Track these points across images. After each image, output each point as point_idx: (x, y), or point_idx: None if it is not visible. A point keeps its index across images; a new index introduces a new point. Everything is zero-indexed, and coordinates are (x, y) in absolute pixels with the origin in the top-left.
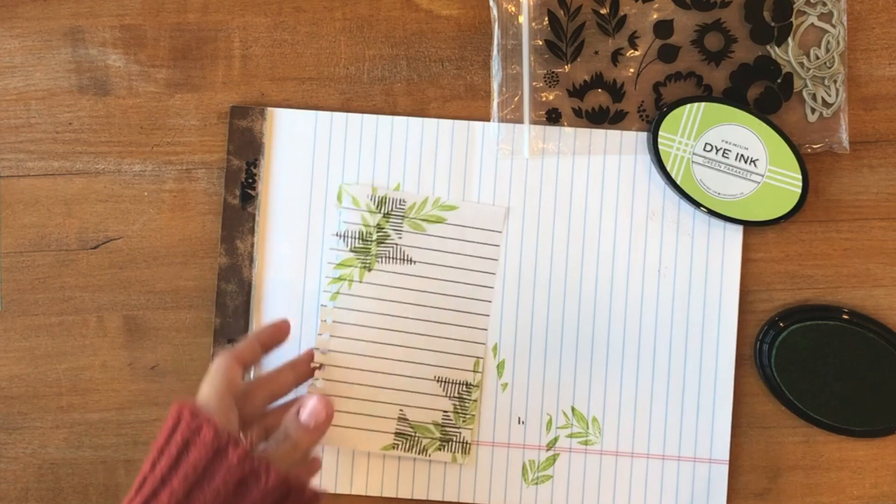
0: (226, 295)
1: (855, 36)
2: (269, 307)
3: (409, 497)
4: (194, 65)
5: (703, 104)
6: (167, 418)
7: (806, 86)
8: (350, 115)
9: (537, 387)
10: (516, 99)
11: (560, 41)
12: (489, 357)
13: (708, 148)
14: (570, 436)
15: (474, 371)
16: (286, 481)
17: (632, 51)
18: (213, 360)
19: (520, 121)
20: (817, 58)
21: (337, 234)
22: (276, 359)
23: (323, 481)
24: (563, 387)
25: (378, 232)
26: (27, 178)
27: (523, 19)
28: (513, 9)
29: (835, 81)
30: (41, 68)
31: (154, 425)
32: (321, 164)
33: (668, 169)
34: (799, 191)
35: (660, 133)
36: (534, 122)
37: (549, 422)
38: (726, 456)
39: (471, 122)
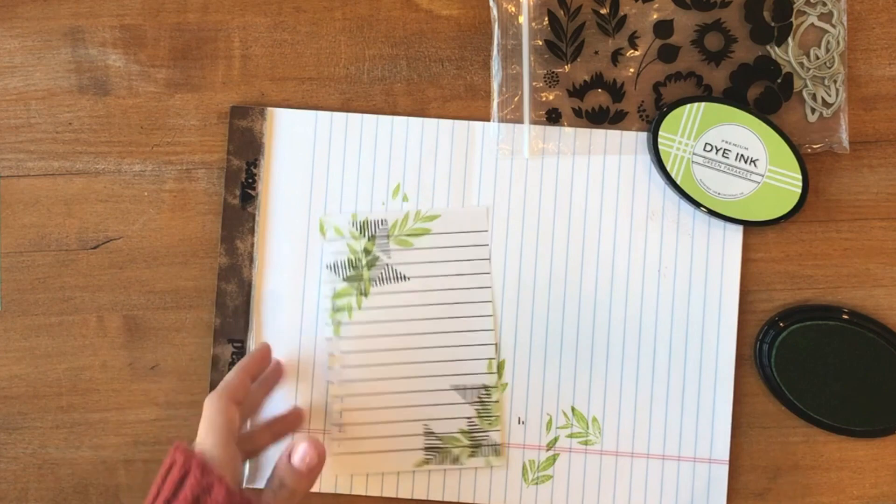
0: (226, 295)
1: (855, 36)
2: (269, 307)
3: (409, 497)
4: (194, 65)
5: (703, 104)
6: (171, 467)
7: (806, 86)
8: (350, 115)
9: (537, 387)
10: (516, 99)
11: (560, 41)
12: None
13: (708, 148)
14: (571, 436)
15: (489, 372)
16: None
17: (632, 51)
18: (206, 402)
19: (520, 121)
20: (817, 58)
21: (327, 267)
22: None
23: (323, 481)
24: (563, 387)
25: (367, 256)
26: (27, 178)
27: (523, 19)
28: (513, 9)
29: (835, 81)
30: (41, 68)
31: (154, 425)
32: (321, 164)
33: (668, 169)
34: (799, 191)
35: (660, 133)
36: (534, 122)
37: (549, 422)
38: (726, 456)
39: (471, 122)
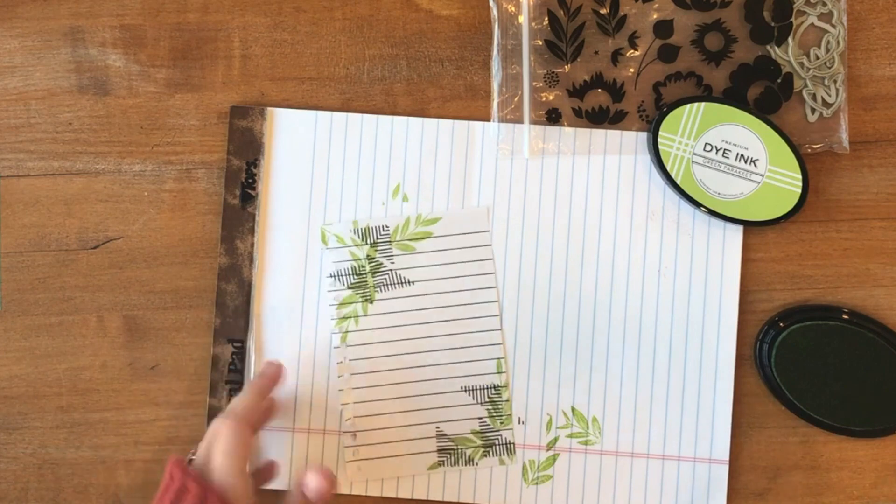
0: (226, 295)
1: (855, 36)
2: (269, 307)
3: (409, 497)
4: (194, 65)
5: (703, 104)
6: (182, 493)
7: (806, 86)
8: (350, 115)
9: (537, 387)
10: (516, 99)
11: (560, 41)
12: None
13: (708, 148)
14: (571, 436)
15: (498, 372)
16: None
17: (632, 51)
18: (223, 425)
19: (520, 121)
20: (817, 58)
21: (331, 276)
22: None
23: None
24: (563, 387)
25: (370, 263)
26: (27, 178)
27: (523, 19)
28: (513, 9)
29: (835, 81)
30: (41, 68)
31: (154, 425)
32: (321, 164)
33: (668, 169)
34: (799, 191)
35: (660, 133)
36: (534, 122)
37: (550, 422)
38: (726, 456)
39: (471, 122)
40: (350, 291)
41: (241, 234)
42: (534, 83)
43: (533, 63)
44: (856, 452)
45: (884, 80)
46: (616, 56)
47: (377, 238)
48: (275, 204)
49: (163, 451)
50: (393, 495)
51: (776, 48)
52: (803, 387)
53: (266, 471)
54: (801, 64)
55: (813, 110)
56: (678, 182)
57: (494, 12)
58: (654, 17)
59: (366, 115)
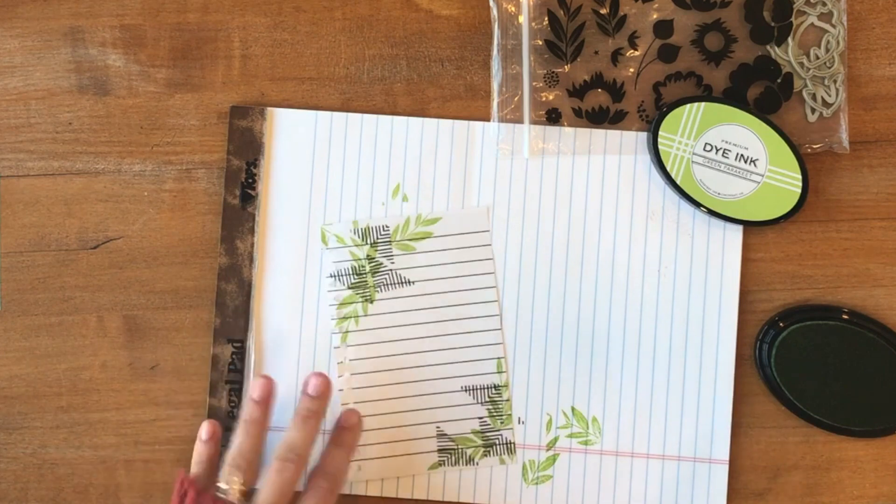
0: (226, 295)
1: (855, 36)
2: (269, 307)
3: (409, 497)
4: (194, 65)
5: (702, 104)
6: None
7: (806, 86)
8: (350, 115)
9: (537, 387)
10: (516, 99)
11: (560, 41)
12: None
13: (708, 148)
14: (570, 436)
15: (499, 371)
16: None
17: (632, 51)
18: (283, 466)
19: (520, 121)
20: (817, 58)
21: (331, 276)
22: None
23: None
24: (563, 387)
25: (370, 263)
26: (27, 178)
27: (523, 19)
28: (513, 9)
29: (835, 81)
30: (41, 68)
31: (154, 425)
32: (321, 164)
33: (668, 169)
34: (799, 191)
35: (660, 133)
36: (534, 122)
37: (549, 422)
38: (726, 456)
39: (471, 122)
40: (350, 291)
41: (241, 234)
42: (534, 83)
43: (533, 63)
44: (856, 452)
45: (884, 80)
46: (616, 56)
47: (377, 238)
48: (275, 204)
49: (163, 450)
50: (393, 495)
51: (776, 48)
52: (803, 387)
53: None
54: (801, 64)
55: (813, 110)
56: (678, 182)
57: (494, 12)
58: (654, 17)
59: (366, 115)
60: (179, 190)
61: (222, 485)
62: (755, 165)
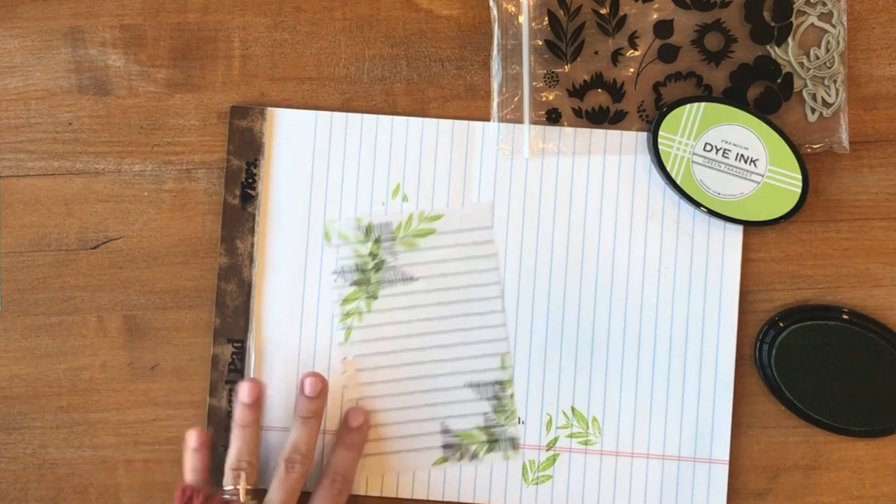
0: (226, 295)
1: (855, 36)
2: (270, 307)
3: (409, 497)
4: (194, 65)
5: (702, 104)
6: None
7: (806, 86)
8: (350, 115)
9: (537, 387)
10: (516, 99)
11: (560, 41)
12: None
13: (708, 148)
14: (570, 436)
15: (503, 367)
16: None
17: (632, 51)
18: (290, 467)
19: (520, 121)
20: (817, 58)
21: (334, 272)
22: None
23: None
24: (563, 387)
25: (374, 259)
26: (27, 178)
27: (523, 19)
28: (513, 9)
29: (835, 81)
30: (41, 68)
31: (154, 425)
32: (321, 164)
33: (668, 169)
34: (799, 191)
35: (660, 133)
36: (534, 122)
37: (549, 422)
38: (726, 456)
39: (471, 122)
40: (354, 288)
41: (241, 234)
42: (534, 83)
43: (533, 63)
44: (856, 452)
45: (884, 80)
46: (616, 56)
47: (381, 235)
48: (275, 204)
49: (163, 450)
50: (393, 495)
51: (776, 48)
52: (803, 387)
53: None
54: (801, 64)
55: (813, 110)
56: (678, 182)
57: (494, 12)
58: (654, 17)
59: (366, 115)
60: (179, 190)
61: (228, 488)
62: (755, 165)
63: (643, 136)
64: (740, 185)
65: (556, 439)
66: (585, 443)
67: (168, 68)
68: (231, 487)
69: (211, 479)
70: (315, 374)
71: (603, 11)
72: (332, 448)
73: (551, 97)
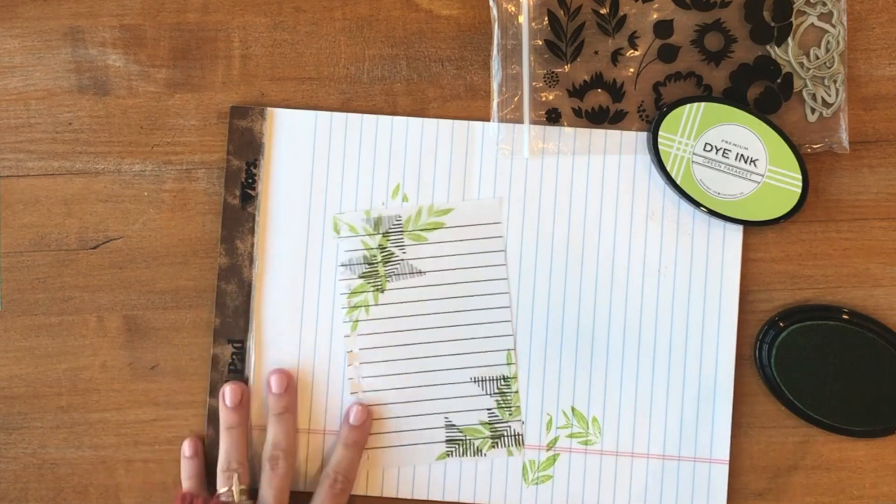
0: (226, 295)
1: (855, 36)
2: (270, 307)
3: (409, 497)
4: (194, 65)
5: (702, 104)
6: None
7: (806, 86)
8: (350, 115)
9: (537, 387)
10: (516, 99)
11: (560, 41)
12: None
13: (708, 148)
14: (571, 436)
15: (508, 363)
16: None
17: (632, 51)
18: (275, 464)
19: (520, 121)
20: (817, 58)
21: (342, 265)
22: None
23: None
24: (563, 387)
25: (381, 252)
26: (27, 178)
27: (523, 19)
28: (513, 9)
29: (835, 81)
30: (41, 68)
31: (154, 425)
32: (321, 164)
33: (668, 169)
34: (799, 191)
35: (660, 133)
36: (534, 121)
37: (550, 422)
38: (726, 456)
39: (470, 122)
40: (361, 280)
41: (241, 234)
42: (534, 83)
43: (533, 63)
44: (856, 452)
45: (884, 80)
46: (616, 56)
47: (389, 227)
48: (275, 204)
49: (163, 450)
50: (393, 495)
51: (776, 48)
52: (803, 387)
53: None
54: (801, 64)
55: (813, 110)
56: (678, 182)
57: (494, 12)
58: (654, 17)
59: (366, 116)
60: (179, 190)
61: (223, 490)
62: (755, 165)
63: (643, 135)
64: (740, 184)
65: (556, 439)
66: (585, 443)
67: (168, 68)
68: (225, 489)
69: (206, 485)
70: (280, 371)
71: (603, 11)
72: (332, 446)
73: (551, 97)
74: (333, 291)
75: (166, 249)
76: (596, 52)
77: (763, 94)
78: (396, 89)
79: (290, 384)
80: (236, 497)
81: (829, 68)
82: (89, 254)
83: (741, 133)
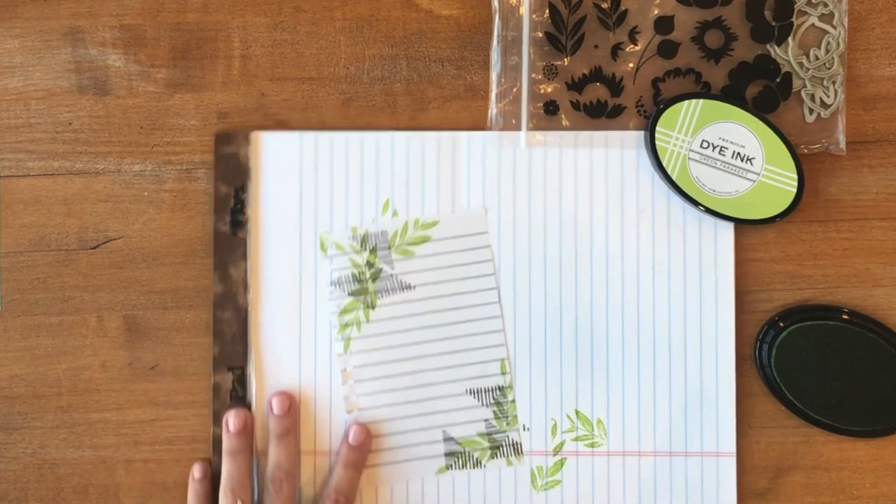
0: (222, 322)
1: (855, 36)
2: (267, 331)
3: None
4: (194, 65)
5: (701, 101)
6: None
7: (804, 86)
8: (335, 133)
9: (539, 392)
10: (514, 90)
11: (560, 34)
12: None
13: (705, 145)
14: (576, 439)
15: (503, 373)
16: None
17: (632, 46)
18: (278, 486)
19: (518, 112)
20: (817, 58)
21: (331, 283)
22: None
23: None
24: (566, 390)
25: (370, 269)
26: (27, 178)
27: (524, 10)
28: (514, 0)
29: (833, 83)
30: (41, 68)
31: (154, 425)
32: (309, 184)
33: (665, 165)
34: (794, 190)
35: (657, 129)
36: (531, 114)
37: (554, 426)
38: (733, 448)
39: (455, 133)
40: (351, 298)
41: (233, 261)
42: (532, 75)
43: (532, 55)
44: (856, 452)
45: (884, 80)
46: (616, 50)
47: (376, 244)
48: (266, 228)
49: (163, 450)
50: (403, 502)
51: (776, 47)
52: (803, 387)
53: None
54: (801, 64)
55: (811, 111)
56: (674, 178)
57: (496, 3)
58: (656, 12)
59: (350, 133)
60: (179, 190)
61: None
62: (751, 164)
63: (640, 131)
64: (736, 182)
65: (562, 443)
66: (592, 445)
67: (168, 68)
68: None
69: None
70: (282, 393)
71: (604, 5)
72: (332, 467)
73: (549, 89)
74: (328, 311)
75: (166, 249)
76: (596, 46)
77: (762, 93)
78: (396, 89)
79: (292, 406)
80: None
81: (829, 69)
82: (89, 254)
83: (738, 131)
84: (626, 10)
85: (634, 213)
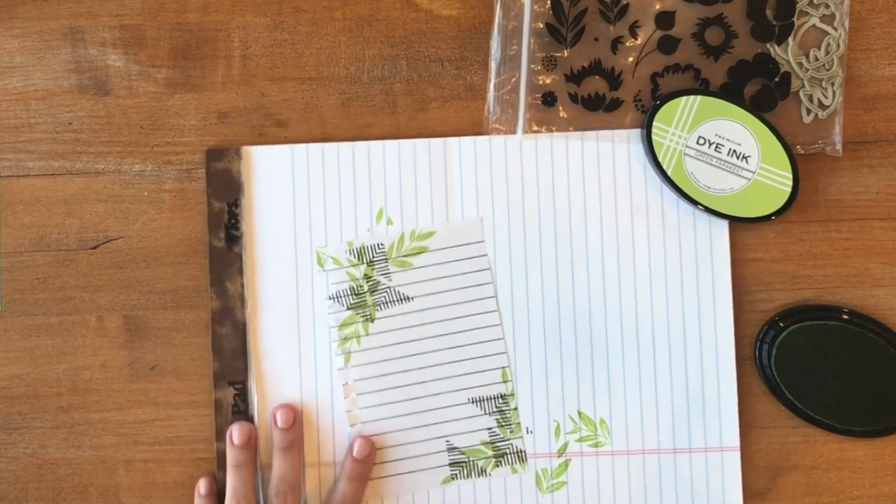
0: (221, 338)
1: (855, 36)
2: (266, 345)
3: None
4: (194, 65)
5: (699, 97)
6: None
7: (803, 86)
8: (325, 145)
9: (541, 394)
10: (513, 80)
11: (561, 25)
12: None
13: (701, 141)
14: (580, 440)
15: (504, 381)
16: None
17: (632, 40)
18: (283, 499)
19: (516, 102)
20: (816, 59)
21: (329, 297)
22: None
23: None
24: (568, 391)
25: (368, 282)
26: (27, 178)
27: (526, 0)
28: None
29: (832, 84)
30: (41, 68)
31: (154, 425)
32: (302, 197)
33: (660, 160)
34: (789, 190)
35: (654, 123)
36: (529, 104)
37: (557, 428)
38: (737, 443)
39: (447, 139)
40: (350, 312)
41: (230, 276)
42: (532, 66)
43: (532, 45)
44: (856, 452)
45: (884, 80)
46: (616, 44)
47: (373, 257)
48: (260, 242)
49: (163, 450)
50: None
51: (776, 47)
52: (803, 387)
53: None
54: (800, 64)
55: (808, 111)
56: (669, 174)
57: None
58: (657, 7)
59: (341, 144)
60: (179, 190)
61: None
62: (747, 162)
63: (637, 125)
64: (731, 180)
65: (566, 445)
66: (595, 445)
67: (168, 68)
68: None
69: None
70: (286, 406)
71: None
72: (336, 479)
73: (548, 81)
74: (327, 324)
75: (166, 249)
76: (596, 39)
77: (760, 91)
78: (396, 89)
79: (296, 419)
80: None
81: (828, 70)
82: (89, 254)
83: (735, 129)
84: (627, 4)
85: (629, 212)
